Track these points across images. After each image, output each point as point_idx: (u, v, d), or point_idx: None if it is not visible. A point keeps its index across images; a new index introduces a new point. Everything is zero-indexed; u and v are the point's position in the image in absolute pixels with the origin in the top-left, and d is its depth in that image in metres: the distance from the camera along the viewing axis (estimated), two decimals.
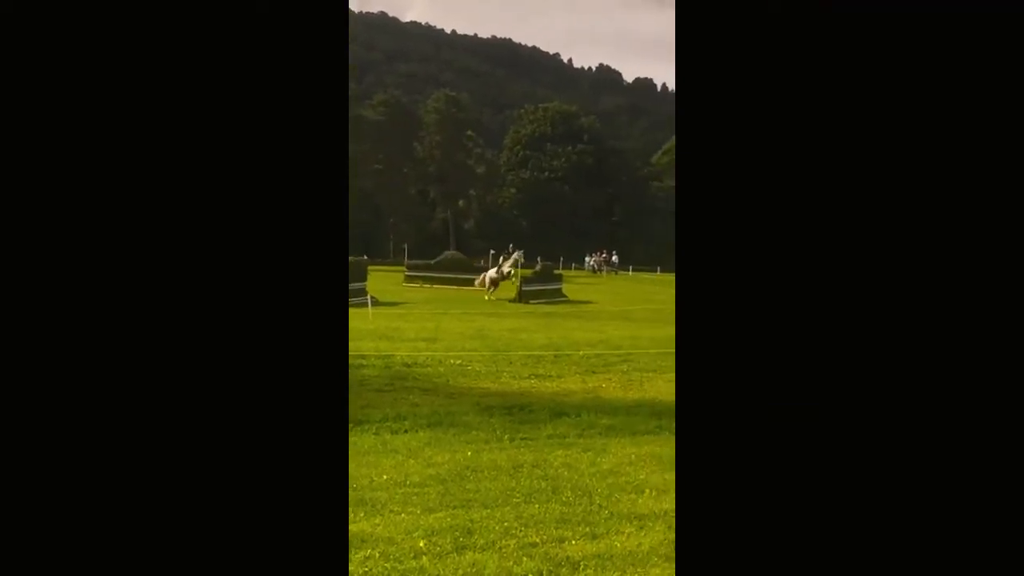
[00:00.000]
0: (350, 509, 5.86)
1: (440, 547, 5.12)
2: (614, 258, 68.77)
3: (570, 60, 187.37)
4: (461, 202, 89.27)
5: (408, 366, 13.65)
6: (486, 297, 34.80)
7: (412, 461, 7.48)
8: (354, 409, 9.82)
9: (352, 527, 5.44)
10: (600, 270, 65.96)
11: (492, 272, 37.15)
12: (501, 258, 39.46)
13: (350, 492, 6.31)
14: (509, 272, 37.14)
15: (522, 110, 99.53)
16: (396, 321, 20.25)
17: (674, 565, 4.97)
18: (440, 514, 5.81)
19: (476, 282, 38.05)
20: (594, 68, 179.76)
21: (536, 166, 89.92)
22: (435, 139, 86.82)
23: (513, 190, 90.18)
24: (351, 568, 4.71)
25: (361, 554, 4.98)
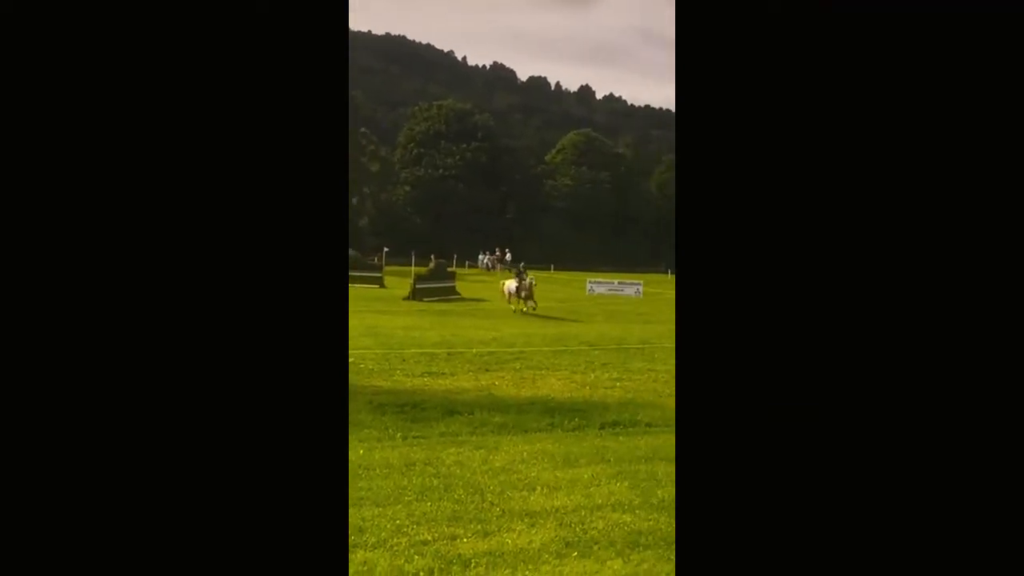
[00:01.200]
0: None
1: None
2: (507, 256, 68.88)
3: (464, 58, 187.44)
4: (355, 200, 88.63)
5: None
6: (513, 309, 30.58)
7: None
8: None
9: None
10: (494, 268, 66.02)
11: (512, 284, 33.01)
12: (514, 273, 35.12)
13: None
14: (527, 282, 32.61)
15: (416, 108, 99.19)
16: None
17: (564, 562, 5.03)
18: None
19: (508, 293, 32.68)
20: (488, 66, 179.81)
21: (430, 164, 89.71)
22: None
23: (407, 188, 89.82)
24: None
25: None
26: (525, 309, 30.77)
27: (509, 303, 31.60)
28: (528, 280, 32.67)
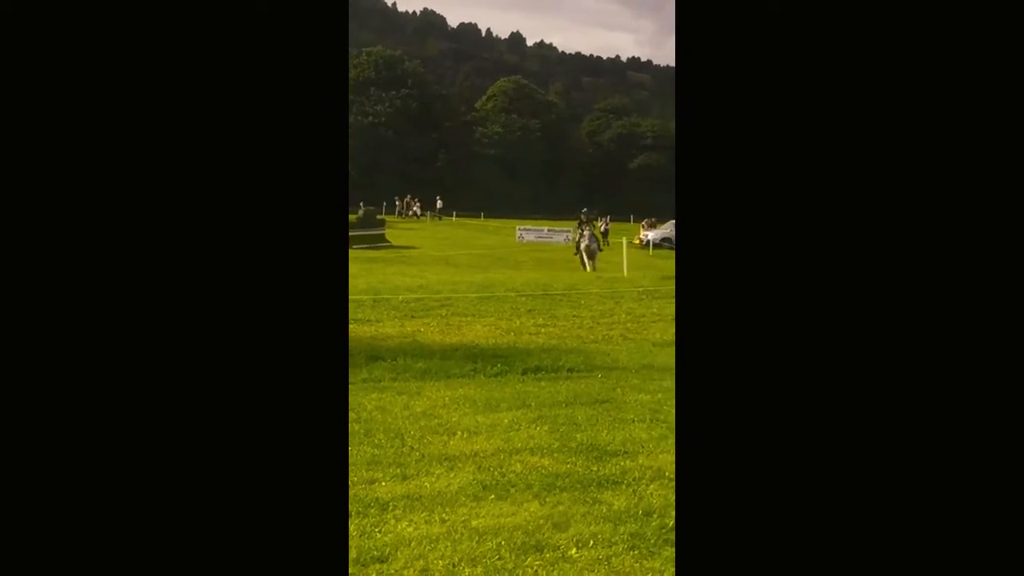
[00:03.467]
0: None
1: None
2: (415, 205, 68.44)
3: (394, 4, 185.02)
4: None
5: None
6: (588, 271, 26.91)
7: None
8: None
9: None
10: (405, 214, 65.60)
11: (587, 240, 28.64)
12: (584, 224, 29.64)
13: None
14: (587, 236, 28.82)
15: None
16: None
17: (481, 504, 5.08)
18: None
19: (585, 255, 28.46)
20: (418, 12, 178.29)
21: (360, 111, 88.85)
22: None
23: None
24: None
25: None
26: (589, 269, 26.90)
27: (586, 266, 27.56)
28: (586, 232, 28.48)
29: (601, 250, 30.62)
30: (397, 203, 67.72)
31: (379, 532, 4.61)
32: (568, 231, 42.78)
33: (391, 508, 4.96)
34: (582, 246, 28.76)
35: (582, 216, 30.20)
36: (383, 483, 5.39)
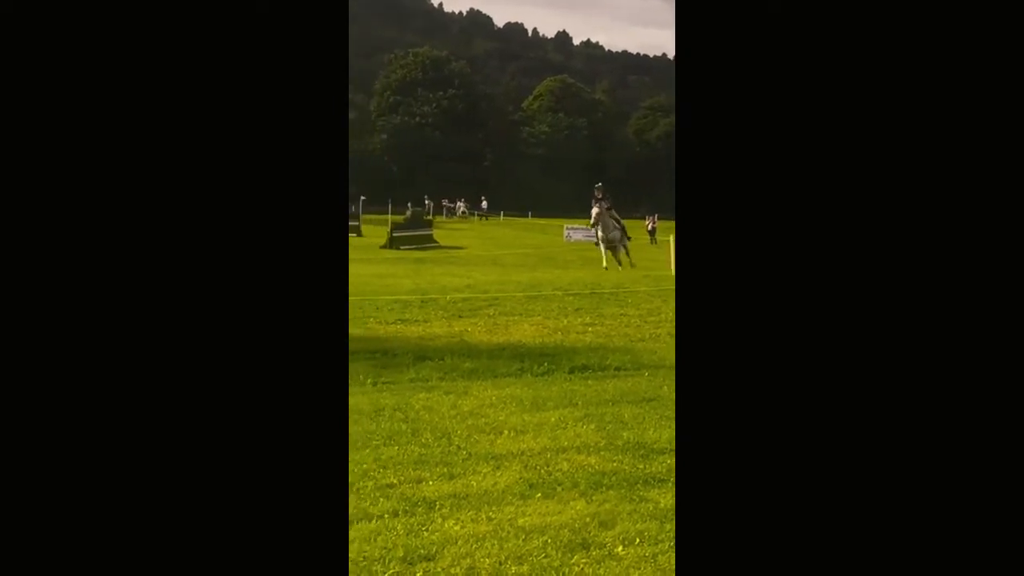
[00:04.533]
0: None
1: None
2: (463, 206, 68.46)
3: (440, 5, 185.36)
4: None
5: None
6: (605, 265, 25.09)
7: None
8: None
9: None
10: (447, 214, 65.73)
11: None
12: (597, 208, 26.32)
13: None
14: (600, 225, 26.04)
15: (392, 55, 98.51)
16: None
17: (528, 503, 5.10)
18: None
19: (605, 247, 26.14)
20: (465, 13, 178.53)
21: (407, 112, 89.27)
22: None
23: (384, 136, 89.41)
24: None
25: None
26: (606, 264, 24.84)
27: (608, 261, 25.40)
28: (601, 211, 25.62)
29: (630, 239, 27.57)
30: (445, 204, 67.88)
31: (426, 531, 4.64)
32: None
33: (438, 507, 4.99)
34: (600, 236, 26.05)
35: (596, 193, 26.67)
36: (430, 482, 5.42)
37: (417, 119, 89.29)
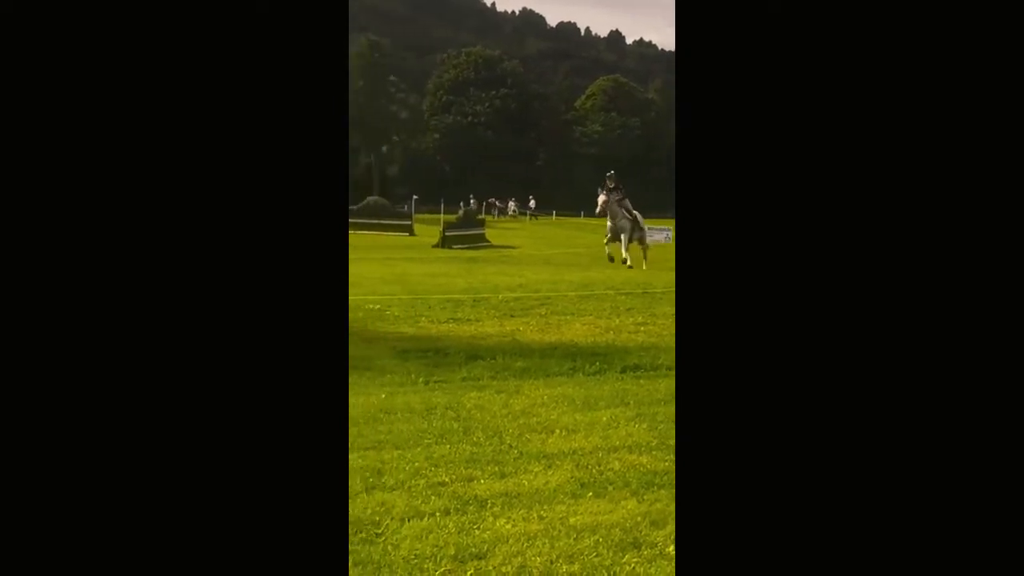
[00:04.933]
0: None
1: (349, 487, 5.16)
2: (515, 206, 68.46)
3: (493, 4, 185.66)
4: (384, 148, 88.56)
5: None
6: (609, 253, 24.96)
7: None
8: None
9: None
10: (495, 214, 65.74)
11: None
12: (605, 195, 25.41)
13: None
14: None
15: (445, 55, 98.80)
16: None
17: (579, 502, 5.09)
18: (351, 456, 5.83)
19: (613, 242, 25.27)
20: (517, 12, 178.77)
21: (459, 111, 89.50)
22: (357, 84, 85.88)
23: (436, 135, 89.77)
24: None
25: None
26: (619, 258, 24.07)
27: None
28: (607, 199, 24.51)
29: (643, 229, 25.97)
30: (493, 203, 67.90)
31: (477, 529, 4.65)
32: (667, 229, 42.23)
33: (489, 505, 5.00)
34: (608, 225, 24.93)
35: (608, 183, 25.50)
36: (481, 481, 5.43)
37: (470, 118, 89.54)
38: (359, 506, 4.89)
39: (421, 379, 8.76)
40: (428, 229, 37.31)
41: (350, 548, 4.29)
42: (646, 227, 25.94)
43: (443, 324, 12.58)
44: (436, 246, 32.97)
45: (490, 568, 4.18)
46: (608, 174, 26.42)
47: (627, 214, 25.11)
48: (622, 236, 24.96)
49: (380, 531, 4.59)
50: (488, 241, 37.72)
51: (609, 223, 25.31)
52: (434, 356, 10.00)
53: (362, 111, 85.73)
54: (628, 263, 23.87)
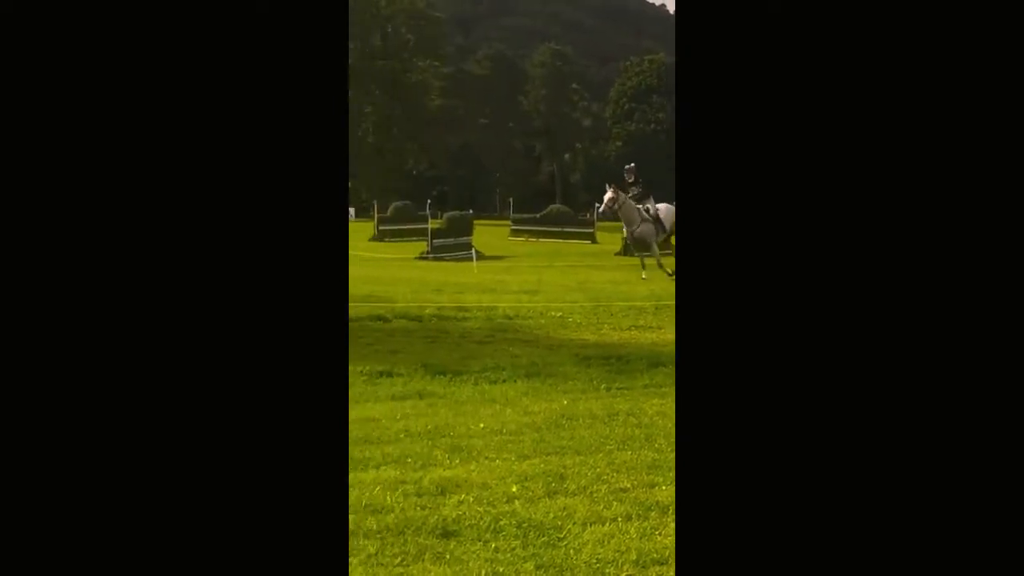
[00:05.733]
0: (446, 456, 6.01)
1: (532, 492, 5.23)
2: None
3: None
4: (567, 155, 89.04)
5: (510, 318, 13.75)
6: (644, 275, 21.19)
7: (509, 410, 7.61)
8: (454, 360, 10.00)
9: (447, 473, 5.59)
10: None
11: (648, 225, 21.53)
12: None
13: (446, 440, 6.47)
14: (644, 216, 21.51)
15: (627, 62, 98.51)
16: (500, 274, 20.39)
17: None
18: (534, 461, 5.92)
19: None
20: None
21: (642, 118, 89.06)
22: (540, 93, 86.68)
23: (619, 143, 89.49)
24: (444, 512, 4.85)
25: (455, 498, 5.12)
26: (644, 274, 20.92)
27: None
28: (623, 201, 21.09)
29: (667, 232, 21.66)
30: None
31: (659, 535, 4.65)
32: None
33: (671, 511, 4.98)
34: (626, 232, 21.84)
35: (627, 176, 22.28)
36: (663, 487, 5.42)
37: (652, 126, 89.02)
38: (541, 510, 4.95)
39: (603, 386, 8.79)
40: (610, 236, 37.22)
41: (532, 551, 4.36)
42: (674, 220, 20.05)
43: (625, 331, 12.60)
44: (618, 254, 32.86)
45: (671, 574, 4.17)
46: (627, 167, 23.26)
47: (645, 215, 21.54)
48: (651, 244, 21.61)
49: (562, 535, 4.63)
50: (671, 248, 37.41)
51: (625, 230, 22.20)
52: (616, 363, 10.02)
53: (545, 119, 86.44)
54: (669, 271, 20.22)
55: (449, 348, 11.12)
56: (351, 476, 5.44)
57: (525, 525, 4.70)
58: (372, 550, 4.33)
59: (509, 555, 4.34)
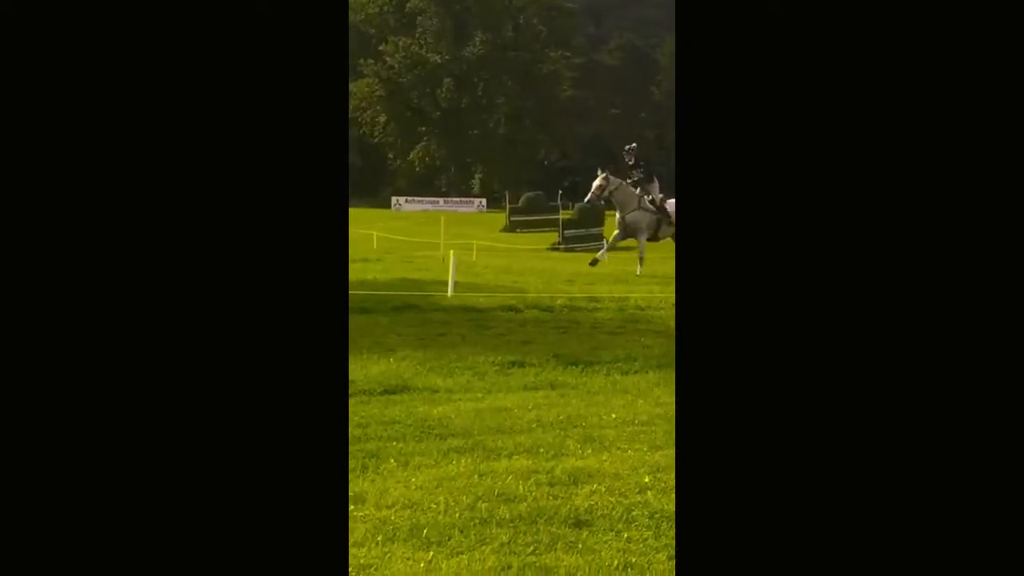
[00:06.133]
0: (578, 446, 6.02)
1: (665, 483, 5.19)
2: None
3: None
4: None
5: (641, 309, 13.69)
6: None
7: (641, 401, 7.58)
8: (585, 351, 10.00)
9: (579, 463, 5.59)
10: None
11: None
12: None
13: (578, 430, 6.48)
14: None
15: None
16: (632, 265, 20.18)
17: None
18: (666, 451, 5.87)
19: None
20: None
21: None
22: (672, 83, 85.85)
23: None
24: (576, 502, 4.85)
25: (587, 488, 5.11)
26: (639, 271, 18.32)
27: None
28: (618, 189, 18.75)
29: (672, 225, 18.51)
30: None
31: None
32: None
33: None
34: (618, 218, 19.17)
35: (628, 159, 20.05)
36: None
37: None
38: (674, 500, 4.91)
39: None
40: None
41: (665, 542, 4.34)
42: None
43: None
44: (554, 247, 32.35)
45: None
46: (627, 147, 20.74)
47: (646, 204, 19.00)
48: (639, 237, 19.12)
49: None
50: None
51: (617, 216, 19.42)
52: None
53: None
54: (641, 266, 18.66)
55: (580, 338, 11.09)
56: (483, 465, 5.50)
57: (657, 516, 4.68)
58: (505, 539, 4.34)
59: (641, 545, 4.33)
